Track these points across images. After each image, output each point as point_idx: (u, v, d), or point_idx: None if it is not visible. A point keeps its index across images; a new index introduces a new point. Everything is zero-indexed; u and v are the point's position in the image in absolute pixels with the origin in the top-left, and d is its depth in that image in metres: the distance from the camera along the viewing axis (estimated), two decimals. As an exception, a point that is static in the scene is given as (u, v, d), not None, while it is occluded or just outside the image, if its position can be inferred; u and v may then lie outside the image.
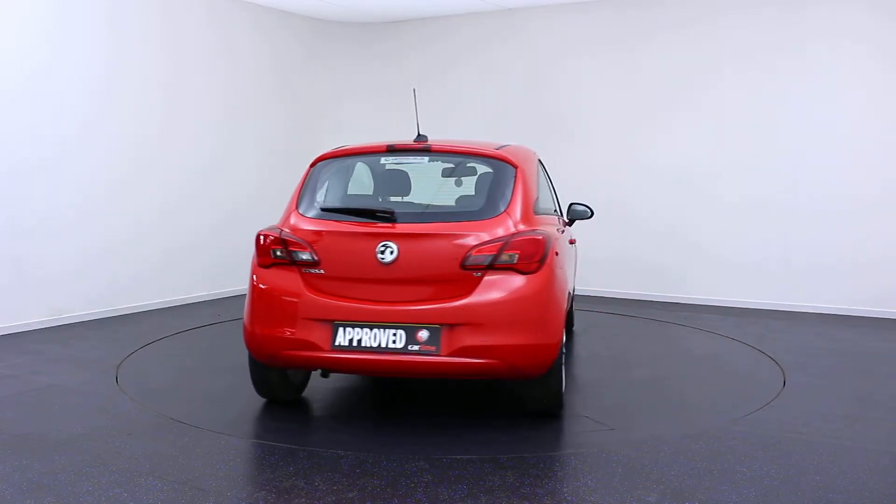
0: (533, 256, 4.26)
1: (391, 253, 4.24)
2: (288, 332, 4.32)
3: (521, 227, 4.38)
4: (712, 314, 7.92)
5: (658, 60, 8.56)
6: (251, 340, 4.49)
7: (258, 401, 5.07)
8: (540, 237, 4.34)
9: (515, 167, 4.64)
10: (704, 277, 8.50)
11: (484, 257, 4.21)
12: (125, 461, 3.89)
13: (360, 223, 4.43)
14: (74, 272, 7.18)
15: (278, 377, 4.77)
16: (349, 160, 4.95)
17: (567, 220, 6.32)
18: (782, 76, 8.00)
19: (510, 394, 5.17)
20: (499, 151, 4.73)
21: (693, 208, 8.48)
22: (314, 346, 4.27)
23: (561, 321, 4.41)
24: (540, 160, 5.88)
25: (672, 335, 7.03)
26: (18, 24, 6.70)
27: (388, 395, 5.24)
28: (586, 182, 8.51)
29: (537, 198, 4.81)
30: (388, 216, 4.40)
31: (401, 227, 4.33)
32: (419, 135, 4.98)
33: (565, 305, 4.53)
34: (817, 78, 7.86)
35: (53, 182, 6.99)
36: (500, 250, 4.22)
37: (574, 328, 7.19)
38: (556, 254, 4.48)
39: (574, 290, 7.16)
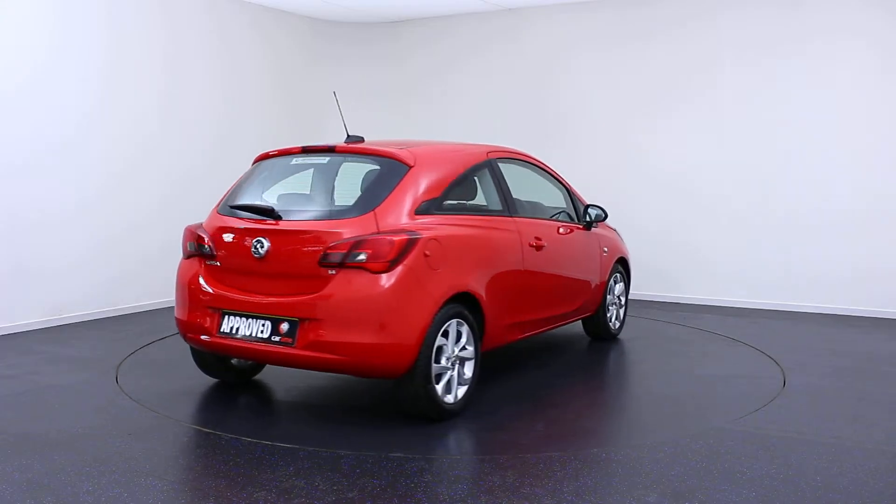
0: (383, 256, 4.26)
1: (262, 248, 4.48)
2: (192, 317, 4.77)
3: (386, 226, 4.39)
4: (712, 314, 7.92)
5: (658, 61, 8.55)
6: (176, 323, 4.99)
7: (259, 401, 5.07)
8: (397, 238, 4.30)
9: (409, 166, 4.66)
10: (704, 277, 8.50)
11: (336, 255, 4.31)
12: (125, 461, 3.89)
13: (248, 219, 4.70)
14: (74, 272, 7.18)
15: (212, 357, 5.11)
16: (272, 161, 5.18)
17: (585, 223, 6.23)
18: (783, 76, 7.99)
19: (507, 394, 5.17)
20: (396, 151, 4.77)
21: (693, 208, 8.48)
22: (207, 331, 4.68)
23: (418, 322, 4.30)
24: (517, 158, 5.78)
25: (672, 335, 7.03)
26: (18, 23, 6.70)
27: (390, 393, 5.23)
28: (587, 181, 8.49)
29: (438, 197, 4.72)
30: (270, 213, 4.62)
31: (282, 224, 4.55)
32: (349, 136, 5.19)
33: (431, 306, 4.36)
34: (818, 78, 7.85)
35: (53, 182, 6.99)
36: (351, 249, 4.29)
37: (619, 337, 6.90)
38: (427, 255, 4.39)
39: (617, 293, 6.79)
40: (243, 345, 4.52)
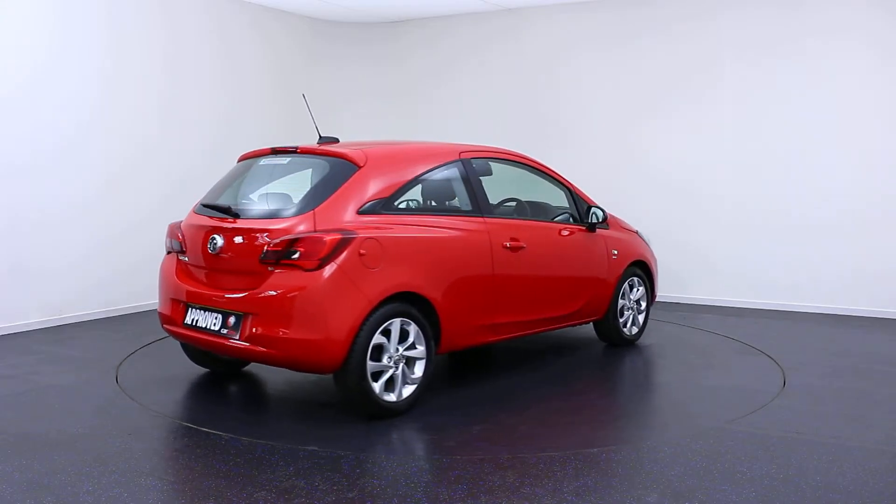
0: (314, 254, 4.36)
1: (217, 245, 4.72)
2: (167, 310, 5.11)
3: (324, 225, 4.47)
4: (712, 314, 7.92)
5: (658, 60, 8.55)
6: (158, 316, 5.28)
7: (258, 401, 5.08)
8: (329, 237, 4.38)
9: (358, 167, 4.74)
10: (704, 277, 8.50)
11: (274, 253, 4.46)
12: (125, 461, 3.90)
13: (212, 217, 4.92)
14: (74, 272, 7.18)
15: (194, 349, 5.35)
16: (247, 162, 5.34)
17: (588, 225, 6.12)
18: (783, 76, 7.99)
19: (504, 395, 5.17)
20: (347, 151, 4.86)
21: (693, 208, 8.48)
22: (175, 322, 4.99)
23: (348, 319, 4.35)
24: (506, 159, 5.73)
25: (672, 335, 7.03)
26: (18, 24, 6.70)
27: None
28: (587, 181, 8.47)
29: (388, 197, 4.75)
30: (228, 211, 4.86)
31: (236, 223, 4.76)
32: (321, 137, 5.32)
33: (364, 305, 4.40)
34: (818, 78, 7.84)
35: (53, 182, 6.99)
36: (286, 247, 4.43)
37: (637, 343, 6.64)
38: (362, 254, 4.44)
39: (634, 297, 6.56)
40: (202, 336, 4.76)
